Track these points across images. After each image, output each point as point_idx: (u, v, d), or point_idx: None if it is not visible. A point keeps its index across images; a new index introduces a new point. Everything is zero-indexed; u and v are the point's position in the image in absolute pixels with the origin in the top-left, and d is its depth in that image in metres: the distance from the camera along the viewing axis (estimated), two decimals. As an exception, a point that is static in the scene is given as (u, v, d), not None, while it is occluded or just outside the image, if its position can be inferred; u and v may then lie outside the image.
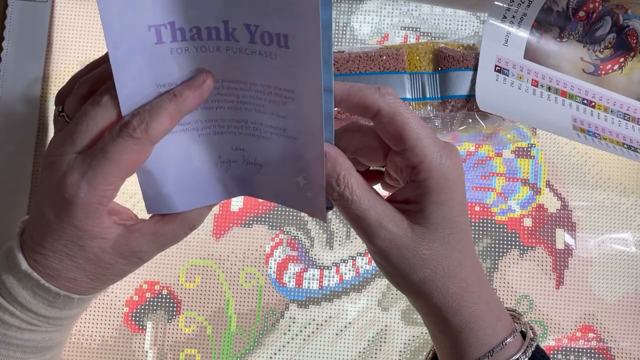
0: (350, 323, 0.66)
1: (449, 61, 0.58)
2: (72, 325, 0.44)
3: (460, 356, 0.39)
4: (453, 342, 0.39)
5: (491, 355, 0.38)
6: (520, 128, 0.68)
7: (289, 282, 0.66)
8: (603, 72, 0.58)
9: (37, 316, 0.39)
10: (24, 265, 0.37)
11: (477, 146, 0.68)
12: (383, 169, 0.41)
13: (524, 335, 0.41)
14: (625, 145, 0.57)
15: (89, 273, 0.39)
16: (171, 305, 0.66)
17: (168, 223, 0.39)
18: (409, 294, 0.40)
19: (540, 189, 0.68)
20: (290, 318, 0.66)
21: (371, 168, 0.42)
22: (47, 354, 0.42)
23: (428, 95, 0.59)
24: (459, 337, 0.39)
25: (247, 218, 0.67)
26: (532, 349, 0.40)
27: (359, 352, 0.66)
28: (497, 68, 0.58)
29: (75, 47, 0.68)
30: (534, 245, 0.67)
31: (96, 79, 0.37)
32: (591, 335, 0.66)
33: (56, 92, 0.42)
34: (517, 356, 0.39)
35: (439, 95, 0.59)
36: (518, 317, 0.43)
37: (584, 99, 0.58)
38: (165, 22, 0.34)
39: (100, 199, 0.36)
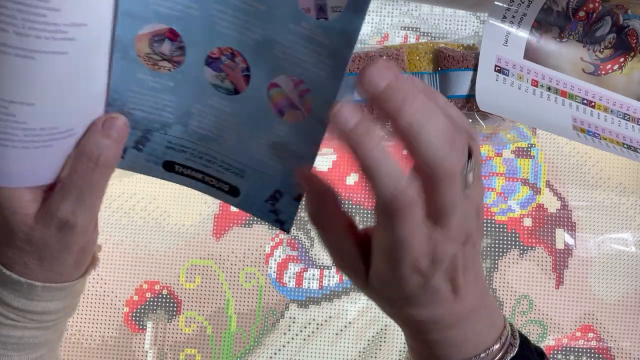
0: (350, 323, 0.66)
1: (449, 61, 0.58)
2: (60, 326, 0.44)
3: None
4: (427, 354, 0.39)
5: None
6: (520, 128, 0.68)
7: (289, 282, 0.66)
8: (603, 72, 0.58)
9: (12, 309, 0.39)
10: None
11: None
12: None
13: (524, 338, 0.41)
14: (625, 145, 0.57)
15: (30, 254, 0.39)
16: (171, 305, 0.66)
17: None
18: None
19: (540, 188, 0.68)
20: (290, 318, 0.66)
21: None
22: (31, 353, 0.42)
23: (428, 95, 0.59)
24: (432, 352, 0.39)
25: (247, 218, 0.67)
26: (512, 353, 0.39)
27: (359, 352, 0.66)
28: (497, 68, 0.58)
29: None
30: (533, 245, 0.67)
31: None
32: (591, 335, 0.66)
33: None
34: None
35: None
36: (506, 328, 0.42)
37: (583, 99, 0.58)
38: None
39: None
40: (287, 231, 0.40)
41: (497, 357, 0.38)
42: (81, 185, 0.37)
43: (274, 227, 0.40)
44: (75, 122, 0.36)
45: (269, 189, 0.39)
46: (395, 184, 0.30)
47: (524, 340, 0.40)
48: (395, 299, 0.36)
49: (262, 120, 0.37)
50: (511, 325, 0.41)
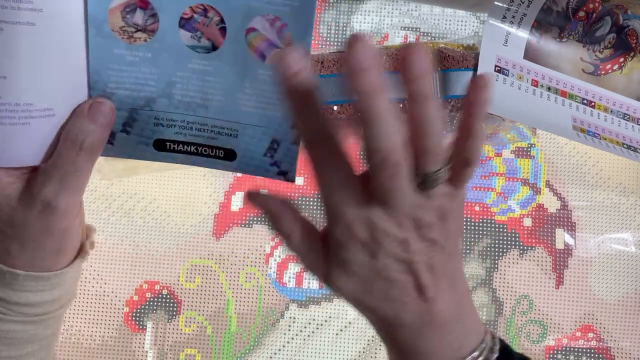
0: (350, 323, 0.66)
1: (449, 61, 0.58)
2: (51, 322, 0.43)
3: None
4: None
5: None
6: (520, 128, 0.68)
7: (289, 282, 0.66)
8: (603, 72, 0.58)
9: None
10: None
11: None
12: None
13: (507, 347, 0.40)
14: (625, 145, 0.57)
15: (12, 238, 0.38)
16: (171, 305, 0.66)
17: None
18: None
19: (540, 188, 0.68)
20: (290, 318, 0.66)
21: None
22: (22, 348, 0.41)
23: (428, 95, 0.59)
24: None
25: (247, 218, 0.67)
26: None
27: (359, 352, 0.66)
28: (497, 68, 0.58)
29: None
30: (533, 245, 0.67)
31: None
32: (591, 335, 0.66)
33: None
34: None
35: (438, 96, 0.59)
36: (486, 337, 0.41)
37: (583, 99, 0.58)
38: None
39: None
40: (292, 180, 0.39)
41: None
42: (65, 168, 0.37)
43: (278, 180, 0.39)
44: (53, 102, 0.36)
45: (265, 141, 0.39)
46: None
47: (507, 352, 0.39)
48: (356, 286, 0.36)
49: (246, 69, 0.37)
50: (495, 336, 0.39)
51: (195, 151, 0.40)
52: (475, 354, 0.38)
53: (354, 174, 0.34)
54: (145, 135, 0.39)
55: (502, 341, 0.39)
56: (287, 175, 0.40)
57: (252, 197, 0.38)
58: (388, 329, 0.37)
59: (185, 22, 0.36)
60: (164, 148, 0.40)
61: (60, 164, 0.37)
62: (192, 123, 0.39)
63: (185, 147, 0.39)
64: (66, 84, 0.36)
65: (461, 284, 0.38)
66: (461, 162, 0.34)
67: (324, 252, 0.37)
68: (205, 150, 0.40)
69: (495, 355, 0.38)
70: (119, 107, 0.38)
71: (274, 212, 0.37)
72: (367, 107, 0.31)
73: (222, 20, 0.36)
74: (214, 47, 0.36)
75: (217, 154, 0.40)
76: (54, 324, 0.43)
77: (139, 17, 0.36)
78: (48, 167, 0.37)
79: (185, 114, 0.38)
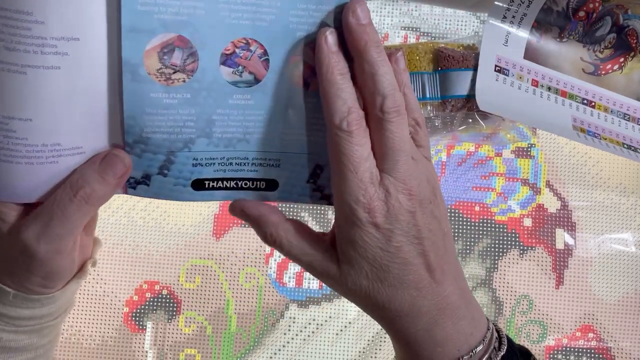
0: (350, 323, 0.66)
1: (449, 61, 0.58)
2: (47, 331, 0.42)
3: None
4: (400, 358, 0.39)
5: None
6: (520, 128, 0.68)
7: (289, 282, 0.66)
8: (603, 72, 0.58)
9: None
10: None
11: (477, 146, 0.68)
12: None
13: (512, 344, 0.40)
14: (625, 145, 0.57)
15: (2, 262, 0.37)
16: (171, 305, 0.66)
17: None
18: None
19: (540, 189, 0.68)
20: (290, 318, 0.66)
21: None
22: (16, 356, 0.40)
23: (428, 95, 0.59)
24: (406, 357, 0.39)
25: (247, 218, 0.67)
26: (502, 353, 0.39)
27: (359, 352, 0.66)
28: (497, 68, 0.58)
29: None
30: (533, 245, 0.67)
31: None
32: (591, 335, 0.66)
33: None
34: None
35: (439, 95, 0.59)
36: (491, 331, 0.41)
37: (584, 99, 0.58)
38: None
39: None
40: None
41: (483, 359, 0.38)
42: (53, 212, 0.35)
43: (321, 204, 0.39)
44: (82, 140, 0.35)
45: (309, 167, 0.38)
46: (350, 104, 0.35)
47: (508, 342, 0.39)
48: (367, 280, 0.36)
49: (289, 99, 0.36)
50: (496, 326, 0.40)
51: (235, 186, 0.38)
52: (487, 338, 0.38)
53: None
54: (183, 176, 0.37)
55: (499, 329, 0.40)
56: (330, 198, 0.39)
57: (232, 209, 0.38)
58: (402, 323, 0.37)
59: (226, 58, 0.35)
60: (202, 187, 0.38)
61: (50, 207, 0.35)
62: (233, 159, 0.37)
63: (225, 183, 0.38)
64: (96, 124, 0.35)
65: (459, 268, 0.39)
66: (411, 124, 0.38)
67: (329, 253, 0.37)
68: (245, 184, 0.38)
69: (505, 341, 0.39)
70: (156, 151, 0.36)
71: (256, 217, 0.37)
72: (376, 56, 0.35)
73: (265, 52, 0.35)
74: (257, 80, 0.35)
75: (259, 185, 0.39)
76: (50, 333, 0.42)
77: (177, 58, 0.34)
78: (41, 207, 0.35)
79: (225, 150, 0.37)
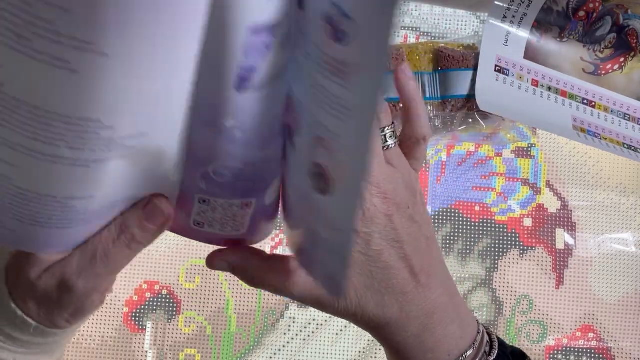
0: (350, 323, 0.66)
1: (449, 61, 0.58)
2: (55, 348, 0.42)
3: None
4: None
5: None
6: (520, 128, 0.68)
7: (289, 282, 0.66)
8: (603, 72, 0.58)
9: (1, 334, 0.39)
10: None
11: (477, 146, 0.68)
12: None
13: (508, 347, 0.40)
14: (625, 145, 0.57)
15: (31, 297, 0.37)
16: (171, 305, 0.66)
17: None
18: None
19: (540, 189, 0.68)
20: (290, 318, 0.66)
21: None
22: None
23: (428, 95, 0.59)
24: None
25: (247, 218, 0.67)
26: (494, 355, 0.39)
27: (359, 352, 0.66)
28: (497, 68, 0.58)
29: None
30: (534, 245, 0.67)
31: None
32: (591, 335, 0.66)
33: None
34: None
35: (439, 95, 0.59)
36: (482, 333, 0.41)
37: (584, 99, 0.58)
38: None
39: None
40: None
41: None
42: (97, 252, 0.36)
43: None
44: (136, 192, 0.35)
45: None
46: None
47: (500, 345, 0.39)
48: (356, 291, 0.36)
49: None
50: (487, 329, 0.40)
51: None
52: (477, 342, 0.38)
53: None
54: None
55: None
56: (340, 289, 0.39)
57: (210, 263, 0.39)
58: (391, 331, 0.37)
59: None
60: None
61: (93, 246, 0.36)
62: None
63: None
64: (153, 188, 0.35)
65: (447, 272, 0.39)
66: (413, 141, 0.40)
67: (308, 278, 0.37)
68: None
69: (496, 345, 0.39)
70: None
71: (241, 267, 0.38)
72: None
73: None
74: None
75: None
76: (59, 349, 0.43)
77: None
78: (85, 245, 0.36)
79: None
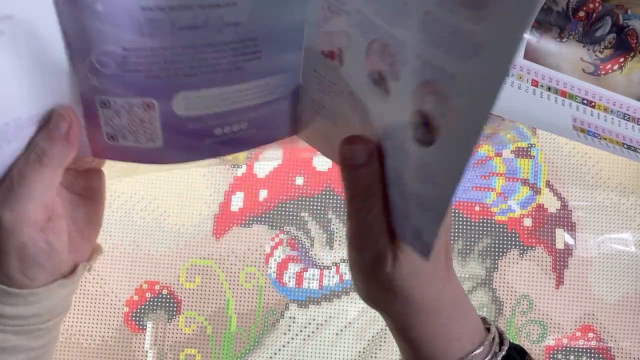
0: (350, 323, 0.66)
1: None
2: (40, 334, 0.40)
3: None
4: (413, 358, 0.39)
5: None
6: (520, 128, 0.68)
7: (289, 282, 0.66)
8: (603, 72, 0.58)
9: None
10: None
11: (477, 146, 0.68)
12: None
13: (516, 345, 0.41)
14: (625, 145, 0.57)
15: None
16: (171, 305, 0.66)
17: None
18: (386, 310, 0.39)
19: (540, 189, 0.68)
20: (290, 318, 0.66)
21: None
22: (4, 357, 0.38)
23: (428, 95, 0.59)
24: (418, 354, 0.38)
25: (247, 218, 0.67)
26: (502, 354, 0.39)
27: (359, 352, 0.66)
28: (497, 68, 0.58)
29: None
30: (533, 245, 0.67)
31: None
32: (591, 335, 0.66)
33: None
34: None
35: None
36: (489, 327, 0.41)
37: (583, 99, 0.58)
38: None
39: None
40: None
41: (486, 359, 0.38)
42: (13, 179, 0.35)
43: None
44: (42, 108, 0.35)
45: None
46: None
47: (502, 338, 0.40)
48: (412, 274, 0.36)
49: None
50: (485, 319, 0.40)
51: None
52: (492, 332, 0.39)
53: None
54: None
55: None
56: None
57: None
58: (424, 319, 0.37)
59: None
60: None
61: (9, 176, 0.35)
62: None
63: None
64: (50, 93, 0.35)
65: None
66: None
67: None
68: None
69: (506, 338, 0.39)
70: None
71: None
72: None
73: None
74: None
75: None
76: (42, 337, 0.41)
77: None
78: (2, 178, 0.35)
79: None
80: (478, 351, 0.37)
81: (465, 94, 0.26)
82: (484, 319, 0.40)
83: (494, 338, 0.39)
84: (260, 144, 0.39)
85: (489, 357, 0.38)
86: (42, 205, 0.37)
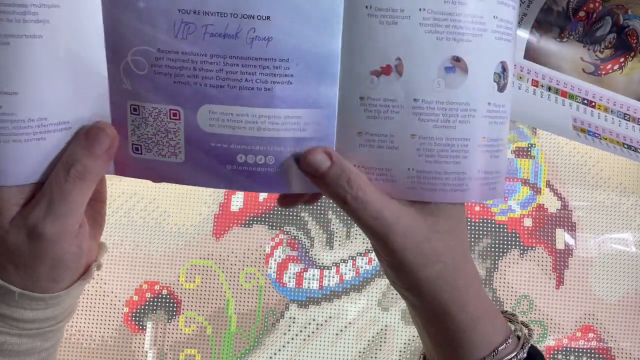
0: (350, 323, 0.66)
1: (449, 61, 0.58)
2: (50, 335, 0.41)
3: (463, 357, 0.38)
4: (457, 341, 0.38)
5: (495, 354, 0.38)
6: (520, 128, 0.68)
7: (289, 282, 0.66)
8: (603, 72, 0.58)
9: None
10: None
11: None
12: None
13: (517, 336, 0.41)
14: (625, 145, 0.57)
15: (7, 258, 0.37)
16: (171, 305, 0.66)
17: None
18: (417, 292, 0.38)
19: (540, 189, 0.68)
20: (290, 318, 0.66)
21: None
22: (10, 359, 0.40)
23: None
24: (464, 336, 0.38)
25: (247, 218, 0.67)
26: (528, 345, 0.39)
27: (359, 352, 0.66)
28: (497, 68, 0.58)
29: None
30: (534, 245, 0.67)
31: None
32: (591, 335, 0.66)
33: None
34: (514, 354, 0.38)
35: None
36: (510, 317, 0.42)
37: (584, 99, 0.58)
38: None
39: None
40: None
41: (514, 352, 0.39)
42: (53, 193, 0.36)
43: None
44: (69, 115, 0.35)
45: None
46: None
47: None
48: (453, 231, 0.37)
49: None
50: (524, 323, 0.41)
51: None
52: (519, 319, 0.41)
53: None
54: None
55: None
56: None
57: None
58: (468, 297, 0.38)
59: None
60: None
61: (49, 188, 0.36)
62: None
63: None
64: (81, 95, 0.35)
65: None
66: None
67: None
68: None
69: (532, 339, 0.41)
70: None
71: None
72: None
73: None
74: None
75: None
76: (53, 337, 0.42)
77: None
78: (42, 190, 0.36)
79: None
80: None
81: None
82: (504, 312, 0.42)
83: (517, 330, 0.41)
84: (285, 189, 0.37)
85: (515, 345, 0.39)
86: (79, 217, 0.38)
